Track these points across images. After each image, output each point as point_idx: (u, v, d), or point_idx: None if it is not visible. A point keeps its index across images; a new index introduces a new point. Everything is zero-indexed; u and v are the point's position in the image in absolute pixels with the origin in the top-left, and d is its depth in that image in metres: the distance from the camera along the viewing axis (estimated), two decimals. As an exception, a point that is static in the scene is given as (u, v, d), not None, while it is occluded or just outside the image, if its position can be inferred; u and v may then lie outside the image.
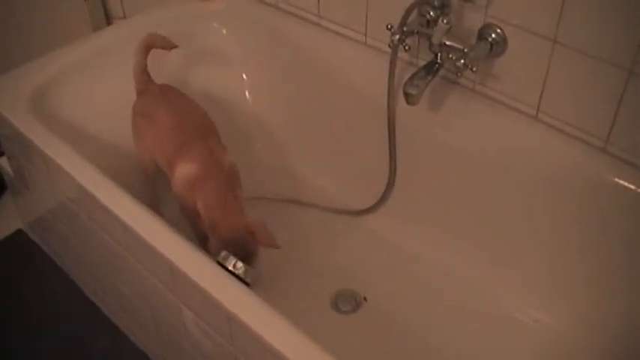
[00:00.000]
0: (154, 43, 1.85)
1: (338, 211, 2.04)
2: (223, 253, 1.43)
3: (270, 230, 1.56)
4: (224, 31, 2.16)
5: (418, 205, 1.92)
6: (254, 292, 1.33)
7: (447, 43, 1.60)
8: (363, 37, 1.92)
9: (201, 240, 1.70)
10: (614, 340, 1.58)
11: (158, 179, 1.89)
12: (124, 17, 2.44)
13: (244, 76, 2.19)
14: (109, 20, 2.45)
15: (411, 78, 1.63)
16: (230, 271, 1.40)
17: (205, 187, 1.62)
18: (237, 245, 1.52)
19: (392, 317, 1.78)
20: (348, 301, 1.82)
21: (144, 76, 1.85)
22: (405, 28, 1.64)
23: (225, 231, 1.55)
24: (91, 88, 1.95)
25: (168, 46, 1.87)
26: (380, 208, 1.98)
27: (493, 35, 1.60)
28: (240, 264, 1.42)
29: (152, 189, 1.91)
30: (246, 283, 1.40)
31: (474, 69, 1.58)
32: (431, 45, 1.64)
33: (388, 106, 1.78)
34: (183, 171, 1.66)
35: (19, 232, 2.26)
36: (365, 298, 1.83)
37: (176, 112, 1.78)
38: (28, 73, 1.89)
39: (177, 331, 1.59)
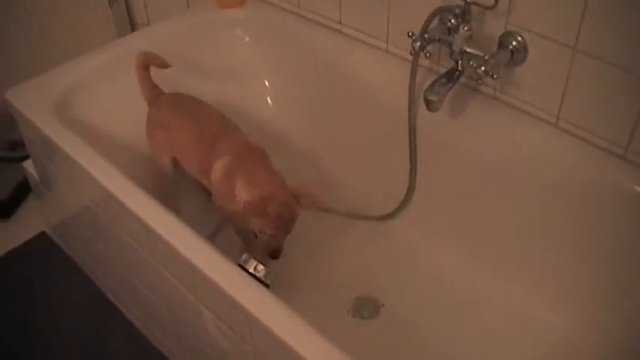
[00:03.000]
0: (147, 61, 1.87)
1: (358, 217, 2.05)
2: (244, 256, 1.45)
3: (312, 189, 1.61)
4: (247, 39, 2.18)
5: (438, 211, 1.93)
6: (275, 295, 1.34)
7: (468, 50, 1.61)
8: (385, 44, 1.93)
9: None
10: (617, 341, 1.59)
11: (179, 185, 1.91)
12: (149, 24, 2.47)
13: (266, 83, 2.21)
14: (133, 27, 2.48)
15: (432, 85, 1.64)
16: (251, 274, 1.41)
17: (242, 169, 1.64)
18: (284, 215, 1.56)
19: (410, 323, 1.78)
20: (367, 307, 1.83)
21: (151, 88, 1.88)
22: (426, 36, 1.66)
23: (273, 202, 1.56)
24: (116, 94, 1.97)
25: (162, 65, 1.88)
26: (400, 214, 1.98)
27: (514, 43, 1.60)
28: (260, 267, 1.43)
29: (172, 193, 1.93)
30: (267, 285, 1.41)
31: (495, 76, 1.59)
32: (452, 52, 1.65)
33: (409, 112, 1.79)
34: (218, 169, 1.69)
35: (42, 235, 2.29)
36: (383, 305, 1.83)
37: (194, 117, 1.81)
38: (54, 79, 1.92)
39: (197, 333, 1.60)
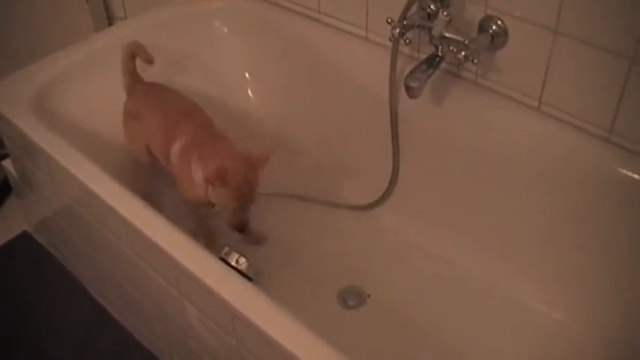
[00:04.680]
0: (134, 52, 1.86)
1: (342, 207, 2.04)
2: (226, 249, 1.43)
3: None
4: (225, 30, 2.16)
5: (422, 199, 1.92)
6: (258, 288, 1.32)
7: (448, 35, 1.59)
8: (364, 32, 1.92)
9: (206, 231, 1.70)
10: (617, 333, 1.59)
11: (157, 177, 1.90)
12: (126, 17, 2.44)
13: (246, 75, 2.19)
14: (110, 21, 2.45)
15: (412, 71, 1.63)
16: (233, 267, 1.40)
17: (196, 147, 1.66)
18: (245, 182, 1.56)
19: (396, 313, 1.77)
20: (352, 297, 1.82)
21: (132, 78, 1.88)
22: (405, 22, 1.64)
23: (230, 171, 1.57)
24: (94, 89, 1.96)
25: (147, 59, 1.87)
26: (384, 202, 1.98)
27: (494, 27, 1.59)
28: (242, 259, 1.42)
29: (149, 184, 1.92)
30: (249, 278, 1.40)
31: (475, 61, 1.57)
32: (432, 38, 1.63)
33: (390, 99, 1.78)
34: (176, 151, 1.71)
35: (24, 234, 2.27)
36: (369, 295, 1.82)
37: (163, 105, 1.82)
38: (31, 75, 1.89)
39: (182, 329, 1.59)
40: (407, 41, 1.68)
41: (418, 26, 1.66)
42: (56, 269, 2.15)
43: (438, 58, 1.65)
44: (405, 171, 1.90)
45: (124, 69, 1.88)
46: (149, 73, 1.91)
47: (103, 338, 1.96)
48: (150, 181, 1.91)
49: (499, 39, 1.60)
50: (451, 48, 1.59)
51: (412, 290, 1.82)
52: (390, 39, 1.69)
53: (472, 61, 1.57)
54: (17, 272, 2.15)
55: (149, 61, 1.86)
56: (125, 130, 1.89)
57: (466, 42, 1.56)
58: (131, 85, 1.88)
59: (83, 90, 1.94)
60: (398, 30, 1.64)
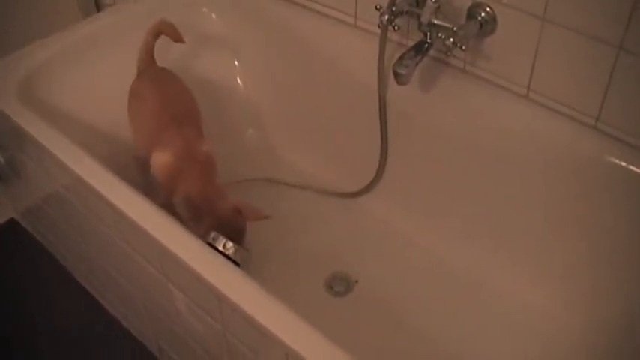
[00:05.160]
0: (163, 30, 1.84)
1: (331, 194, 2.04)
2: (213, 234, 1.43)
3: (255, 207, 1.58)
4: (214, 16, 2.15)
5: (410, 187, 1.92)
6: (245, 273, 1.32)
7: (436, 22, 1.59)
8: (353, 20, 1.91)
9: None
10: (612, 327, 1.59)
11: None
12: (115, 3, 2.42)
13: (235, 62, 2.18)
14: (98, 7, 2.44)
15: (401, 58, 1.62)
16: (220, 252, 1.40)
17: (184, 180, 1.62)
18: (227, 228, 1.52)
19: (384, 299, 1.78)
20: (340, 284, 1.82)
21: (147, 57, 1.85)
22: (393, 8, 1.64)
23: (215, 217, 1.55)
24: (82, 76, 1.94)
25: (177, 37, 1.85)
26: (372, 190, 1.98)
27: (482, 14, 1.59)
28: (230, 244, 1.42)
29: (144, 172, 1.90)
30: (236, 263, 1.40)
31: (464, 48, 1.57)
32: (420, 24, 1.63)
33: (379, 86, 1.77)
34: (158, 159, 1.66)
35: (11, 222, 2.26)
36: (356, 281, 1.82)
37: (162, 96, 1.78)
38: (18, 62, 1.87)
39: (169, 315, 1.59)
40: (395, 28, 1.68)
41: (407, 13, 1.65)
42: (44, 256, 2.14)
43: (426, 45, 1.65)
44: (393, 159, 1.90)
45: (143, 47, 1.84)
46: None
47: (90, 326, 1.96)
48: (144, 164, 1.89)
49: (488, 26, 1.60)
50: (439, 35, 1.58)
51: (400, 278, 1.83)
52: (378, 26, 1.68)
53: (460, 47, 1.57)
54: (4, 260, 2.14)
55: (179, 40, 1.85)
56: (128, 107, 1.85)
57: (454, 29, 1.55)
58: (143, 63, 1.85)
59: (71, 77, 1.92)
60: (387, 17, 1.64)
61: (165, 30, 1.84)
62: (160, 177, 1.66)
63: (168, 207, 1.68)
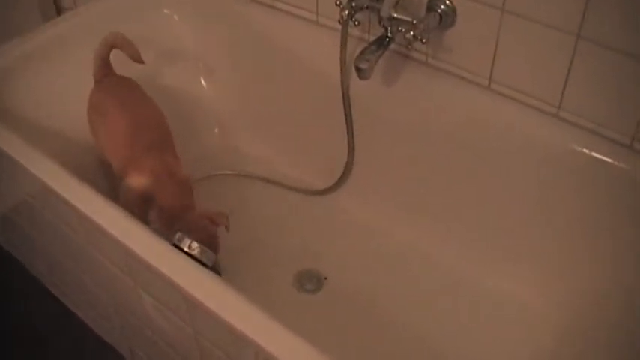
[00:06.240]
0: (116, 44, 1.80)
1: (299, 191, 2.04)
2: (178, 235, 1.42)
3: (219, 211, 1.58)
4: (175, 17, 2.13)
5: (380, 182, 1.92)
6: (211, 273, 1.31)
7: (396, 16, 1.59)
8: (315, 16, 1.91)
9: None
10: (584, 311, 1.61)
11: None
12: (75, 7, 2.40)
13: (199, 63, 2.17)
14: (59, 10, 2.41)
15: (362, 53, 1.62)
16: (186, 253, 1.39)
17: (161, 203, 1.60)
18: (202, 238, 1.50)
19: (354, 296, 1.78)
20: (310, 281, 1.82)
21: (103, 67, 1.81)
22: (353, 4, 1.64)
23: (188, 229, 1.52)
24: (44, 81, 1.91)
25: (134, 56, 1.81)
26: (341, 186, 1.98)
27: (442, 6, 1.59)
28: (195, 244, 1.41)
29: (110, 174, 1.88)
30: (204, 264, 1.39)
31: (424, 41, 1.57)
32: (380, 19, 1.63)
33: (342, 82, 1.77)
34: (134, 182, 1.63)
35: (-22, 232, 2.23)
36: (326, 278, 1.82)
37: (131, 115, 1.73)
38: (-23, 68, 1.85)
39: (140, 319, 1.58)
40: (356, 23, 1.68)
41: (367, 8, 1.65)
42: (14, 267, 2.12)
43: (387, 39, 1.65)
44: (360, 154, 1.90)
45: (97, 55, 1.80)
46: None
47: (62, 334, 1.94)
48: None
49: (447, 18, 1.60)
50: (400, 28, 1.59)
51: (370, 274, 1.83)
52: (339, 21, 1.69)
53: (421, 40, 1.57)
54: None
55: (137, 59, 1.80)
56: (88, 118, 1.82)
57: (414, 22, 1.56)
58: (99, 73, 1.81)
59: (33, 82, 1.89)
60: (347, 12, 1.64)
61: (119, 44, 1.80)
62: (135, 202, 1.63)
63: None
